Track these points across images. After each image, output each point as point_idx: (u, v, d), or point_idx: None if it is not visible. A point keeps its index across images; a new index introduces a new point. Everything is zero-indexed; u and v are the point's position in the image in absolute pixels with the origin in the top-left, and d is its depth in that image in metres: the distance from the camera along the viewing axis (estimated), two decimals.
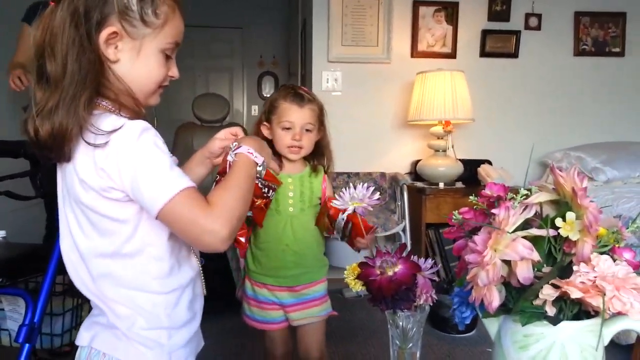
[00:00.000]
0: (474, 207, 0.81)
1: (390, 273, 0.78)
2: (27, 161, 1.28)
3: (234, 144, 0.90)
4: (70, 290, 1.39)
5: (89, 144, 0.73)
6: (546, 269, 0.70)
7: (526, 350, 0.70)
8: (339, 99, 3.08)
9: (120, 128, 0.73)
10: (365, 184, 0.89)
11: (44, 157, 0.77)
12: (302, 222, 1.37)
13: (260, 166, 0.87)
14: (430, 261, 0.85)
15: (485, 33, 3.23)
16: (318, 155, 1.44)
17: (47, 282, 1.17)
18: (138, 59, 0.79)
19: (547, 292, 0.67)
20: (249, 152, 0.86)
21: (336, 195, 0.90)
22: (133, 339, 0.79)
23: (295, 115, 1.36)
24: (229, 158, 0.89)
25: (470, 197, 0.81)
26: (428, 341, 2.21)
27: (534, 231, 0.69)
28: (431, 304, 0.84)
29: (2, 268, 1.21)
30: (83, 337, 0.82)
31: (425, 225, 2.74)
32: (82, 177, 0.75)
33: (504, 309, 0.73)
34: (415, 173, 3.00)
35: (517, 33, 3.24)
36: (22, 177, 1.11)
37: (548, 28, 3.25)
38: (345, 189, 0.89)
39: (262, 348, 1.49)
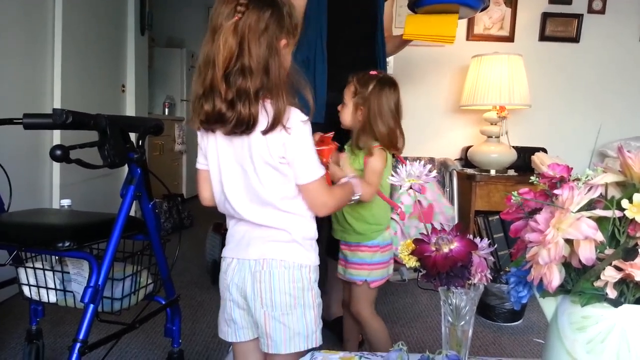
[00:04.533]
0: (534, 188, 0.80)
1: (445, 250, 0.79)
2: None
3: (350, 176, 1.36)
4: (130, 257, 1.46)
5: (284, 127, 1.02)
6: (608, 251, 0.69)
7: (583, 331, 0.69)
8: None
9: (305, 120, 1.05)
10: (422, 161, 0.89)
11: (231, 130, 1.02)
12: None
13: (354, 198, 1.31)
14: (486, 241, 0.84)
15: (546, 16, 3.12)
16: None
17: (111, 247, 1.23)
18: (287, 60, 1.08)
19: (610, 274, 0.65)
20: (356, 186, 1.30)
21: (392, 172, 0.91)
22: (302, 244, 1.11)
23: None
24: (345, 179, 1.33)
25: (532, 177, 0.80)
26: (473, 327, 2.21)
27: (599, 212, 0.68)
28: (486, 284, 0.84)
29: (69, 233, 1.27)
30: (265, 253, 1.10)
31: (474, 212, 2.70)
32: (270, 145, 1.03)
33: (562, 289, 0.72)
34: (465, 159, 2.95)
35: (579, 16, 3.11)
36: (91, 147, 1.17)
37: (613, 11, 3.10)
38: (401, 166, 0.90)
39: None
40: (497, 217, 2.75)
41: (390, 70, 3.09)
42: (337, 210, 1.21)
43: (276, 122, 1.01)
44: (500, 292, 2.37)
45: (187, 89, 5.81)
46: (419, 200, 1.11)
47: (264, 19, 1.00)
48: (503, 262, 2.70)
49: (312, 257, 1.13)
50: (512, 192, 0.83)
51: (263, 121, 1.02)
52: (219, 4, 1.03)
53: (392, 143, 1.55)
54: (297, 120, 1.04)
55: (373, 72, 1.59)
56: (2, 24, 2.41)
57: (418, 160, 0.91)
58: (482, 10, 2.28)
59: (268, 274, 1.09)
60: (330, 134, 1.48)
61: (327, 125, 1.99)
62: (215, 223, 2.79)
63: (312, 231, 1.15)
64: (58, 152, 1.07)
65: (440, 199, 1.68)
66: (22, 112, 1.36)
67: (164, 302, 1.53)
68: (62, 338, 2.02)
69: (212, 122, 1.03)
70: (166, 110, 5.62)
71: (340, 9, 2.01)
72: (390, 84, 1.58)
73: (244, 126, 1.01)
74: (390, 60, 3.08)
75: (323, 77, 1.99)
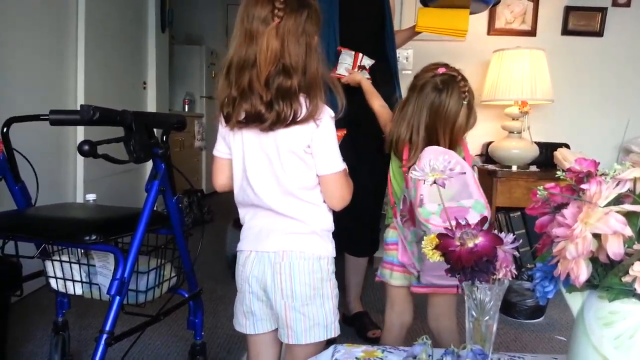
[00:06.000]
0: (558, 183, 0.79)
1: (470, 245, 0.78)
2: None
3: None
4: (154, 251, 1.48)
5: (315, 120, 1.07)
6: (637, 246, 0.68)
7: (611, 327, 0.69)
8: (409, 77, 3.01)
9: (333, 117, 1.11)
10: (447, 156, 0.89)
11: (268, 128, 1.06)
12: None
13: None
14: (511, 236, 0.84)
15: (568, 10, 3.07)
16: None
17: (136, 240, 1.26)
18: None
19: (638, 269, 0.65)
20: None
21: (415, 167, 0.91)
22: (320, 236, 1.14)
23: None
24: None
25: (558, 172, 0.79)
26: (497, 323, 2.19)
27: (628, 207, 0.67)
28: (510, 279, 0.84)
29: (95, 227, 1.30)
30: (285, 245, 1.12)
31: (495, 208, 2.68)
32: (298, 135, 1.07)
33: (589, 284, 0.72)
34: (486, 155, 2.92)
35: (603, 10, 3.05)
36: (117, 143, 1.19)
37: (639, 4, 3.04)
38: (425, 160, 0.89)
39: None
40: (519, 213, 2.72)
41: (409, 64, 3.07)
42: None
43: (310, 117, 1.05)
44: (522, 289, 2.35)
45: (206, 86, 5.86)
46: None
47: (302, 20, 1.05)
48: (525, 259, 2.68)
49: (329, 248, 1.16)
50: (538, 187, 0.82)
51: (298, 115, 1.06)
52: (251, 7, 1.04)
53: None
54: (327, 116, 1.10)
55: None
56: (27, 23, 2.46)
57: (442, 155, 0.91)
58: (493, 6, 2.30)
59: (288, 265, 1.11)
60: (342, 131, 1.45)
61: (344, 121, 2.00)
62: (235, 218, 2.81)
63: (329, 223, 1.17)
64: (86, 148, 1.09)
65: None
66: (46, 109, 1.39)
67: (186, 295, 1.55)
68: (87, 330, 2.06)
69: (251, 122, 1.06)
70: (186, 106, 5.68)
71: (351, 5, 2.05)
72: None
73: (283, 123, 1.05)
74: (409, 54, 3.07)
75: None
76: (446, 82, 1.39)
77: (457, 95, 1.37)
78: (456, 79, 1.40)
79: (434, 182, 0.86)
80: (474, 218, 1.30)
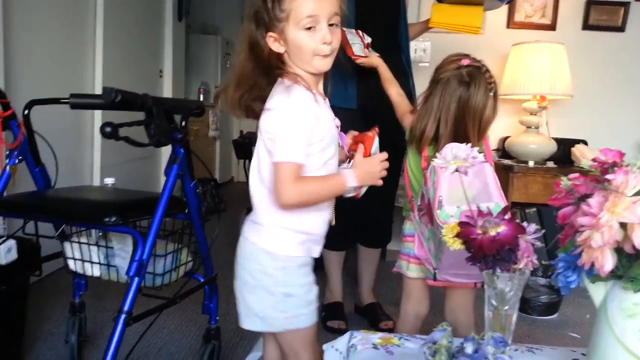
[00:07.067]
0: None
1: (492, 233, 0.78)
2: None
3: (350, 162, 1.12)
4: (172, 235, 1.50)
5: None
6: None
7: (634, 318, 0.68)
8: (426, 70, 3.00)
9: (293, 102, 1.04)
10: (469, 144, 0.88)
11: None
12: None
13: (349, 192, 1.09)
14: (534, 226, 0.83)
15: (590, 4, 3.03)
16: None
17: (155, 223, 1.27)
18: (289, 44, 1.05)
19: None
20: (348, 177, 1.07)
21: (437, 154, 0.90)
22: (271, 231, 1.10)
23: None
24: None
25: (582, 160, 0.78)
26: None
27: None
28: (531, 269, 0.83)
29: (115, 209, 1.31)
30: (244, 230, 1.15)
31: (510, 204, 2.66)
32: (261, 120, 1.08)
33: (613, 275, 0.71)
34: (503, 150, 2.90)
35: (625, 5, 3.01)
36: (138, 125, 1.19)
37: None
38: (447, 148, 0.89)
39: None
40: (534, 209, 2.70)
41: (427, 57, 3.05)
42: (304, 205, 1.07)
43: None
44: (536, 285, 2.34)
45: (221, 75, 5.86)
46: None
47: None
48: (540, 255, 2.65)
49: (281, 245, 1.09)
50: (562, 177, 0.81)
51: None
52: None
53: None
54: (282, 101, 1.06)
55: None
56: (48, 11, 2.48)
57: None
58: (507, 3, 2.28)
59: (240, 249, 1.15)
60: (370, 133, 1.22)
61: (358, 110, 1.99)
62: (247, 207, 2.81)
63: (291, 222, 1.09)
64: (108, 129, 1.10)
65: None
66: (64, 94, 1.40)
67: (202, 280, 1.56)
68: (103, 312, 2.09)
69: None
70: (201, 96, 5.69)
71: None
72: None
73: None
74: (427, 48, 3.04)
75: (353, 64, 1.98)
76: (472, 74, 1.36)
77: (484, 87, 1.34)
78: (482, 70, 1.37)
79: (456, 170, 0.86)
80: None
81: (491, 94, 1.34)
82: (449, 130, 1.36)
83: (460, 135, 1.35)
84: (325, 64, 1.08)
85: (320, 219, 1.13)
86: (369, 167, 1.09)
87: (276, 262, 1.09)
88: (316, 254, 1.15)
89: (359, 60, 1.79)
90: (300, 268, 1.11)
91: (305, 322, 1.12)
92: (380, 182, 1.10)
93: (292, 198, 1.03)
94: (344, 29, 1.93)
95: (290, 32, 1.04)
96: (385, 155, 1.11)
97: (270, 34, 1.05)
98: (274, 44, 1.06)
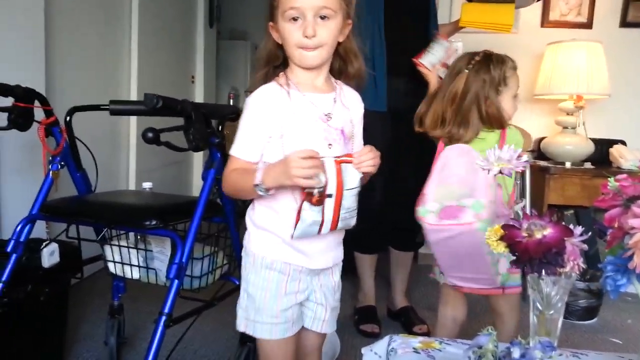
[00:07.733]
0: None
1: (539, 236, 0.76)
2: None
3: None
4: (208, 238, 1.52)
5: None
6: None
7: None
8: None
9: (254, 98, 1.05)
10: (512, 145, 0.87)
11: None
12: None
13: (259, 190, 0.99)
14: (580, 228, 0.81)
15: (628, 1, 2.94)
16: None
17: (194, 226, 1.29)
18: (280, 35, 1.04)
19: None
20: (256, 174, 0.99)
21: (480, 156, 0.89)
22: (250, 230, 1.12)
23: None
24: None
25: (621, 161, 0.76)
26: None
27: None
28: (578, 273, 0.81)
29: (155, 213, 1.34)
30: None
31: (547, 206, 2.60)
32: None
33: None
34: (539, 151, 2.84)
35: None
36: (178, 131, 1.22)
37: None
38: (490, 150, 0.88)
39: None
40: (572, 211, 2.64)
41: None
42: (234, 195, 1.11)
43: None
44: (575, 289, 2.28)
45: (250, 81, 5.90)
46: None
47: None
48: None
49: (251, 241, 1.12)
50: (609, 178, 0.80)
51: None
52: None
53: None
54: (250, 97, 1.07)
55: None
56: (85, 20, 2.56)
57: (506, 145, 0.89)
58: (539, 0, 2.25)
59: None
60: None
61: (389, 112, 1.98)
62: None
63: (257, 218, 1.09)
64: (150, 135, 1.12)
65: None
66: (100, 100, 1.44)
67: (238, 283, 1.57)
68: (140, 315, 2.12)
69: None
70: (231, 101, 5.75)
71: None
72: None
73: None
74: (459, 47, 3.00)
75: (382, 64, 1.97)
76: (478, 62, 1.43)
77: (485, 72, 1.41)
78: (490, 58, 1.44)
79: (500, 172, 0.84)
80: (468, 217, 1.26)
81: (497, 80, 1.41)
82: (452, 112, 1.44)
83: (465, 120, 1.42)
84: (310, 58, 1.02)
85: (281, 221, 1.05)
86: (281, 166, 0.96)
87: (247, 257, 1.12)
88: (300, 263, 1.07)
89: (420, 67, 1.88)
90: (265, 269, 1.08)
91: (262, 333, 1.08)
92: (300, 182, 0.94)
93: (224, 187, 1.09)
94: (439, 39, 1.96)
95: (279, 22, 1.03)
96: (307, 152, 0.94)
97: (271, 23, 1.06)
98: (275, 35, 1.06)
